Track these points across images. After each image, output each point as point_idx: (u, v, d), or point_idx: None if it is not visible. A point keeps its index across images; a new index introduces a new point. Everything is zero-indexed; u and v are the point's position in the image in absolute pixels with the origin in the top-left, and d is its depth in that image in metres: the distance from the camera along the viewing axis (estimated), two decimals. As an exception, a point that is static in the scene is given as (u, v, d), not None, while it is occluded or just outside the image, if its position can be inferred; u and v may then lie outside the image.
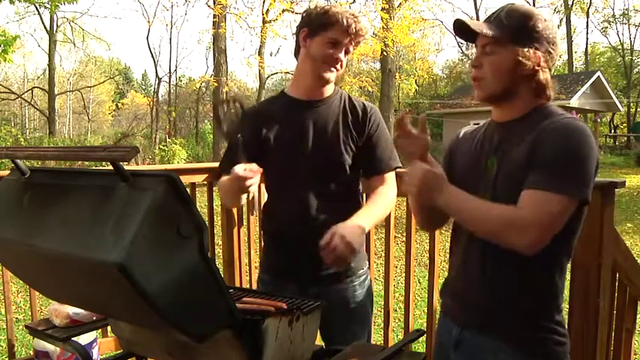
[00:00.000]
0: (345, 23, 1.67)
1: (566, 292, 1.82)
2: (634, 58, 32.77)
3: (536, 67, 1.29)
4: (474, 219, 1.26)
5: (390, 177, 1.85)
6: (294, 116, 1.77)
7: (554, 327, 1.29)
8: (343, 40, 1.70)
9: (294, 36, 1.81)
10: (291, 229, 1.76)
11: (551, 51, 1.31)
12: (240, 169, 1.51)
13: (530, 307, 1.29)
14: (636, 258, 1.68)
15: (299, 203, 1.75)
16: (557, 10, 29.82)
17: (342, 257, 1.55)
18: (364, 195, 1.89)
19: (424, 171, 1.28)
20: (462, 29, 1.36)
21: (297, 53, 1.80)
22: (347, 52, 1.73)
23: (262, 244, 2.01)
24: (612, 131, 32.10)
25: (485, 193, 1.31)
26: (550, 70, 1.32)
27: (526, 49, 1.28)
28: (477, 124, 1.52)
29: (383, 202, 1.79)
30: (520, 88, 1.32)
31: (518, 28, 1.30)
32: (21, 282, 2.29)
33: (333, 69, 1.72)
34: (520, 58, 1.28)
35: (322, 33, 1.70)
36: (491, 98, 1.36)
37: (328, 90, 1.79)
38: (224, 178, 1.69)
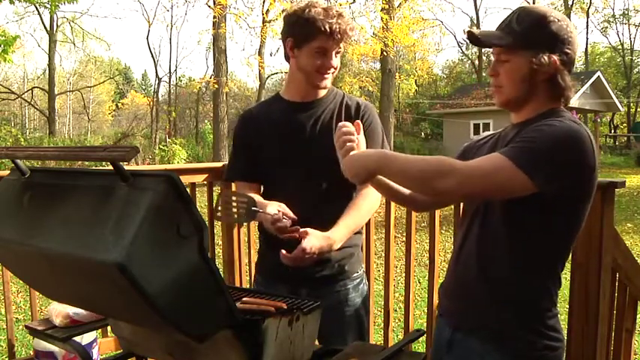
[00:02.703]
0: (329, 29, 1.61)
1: (566, 292, 1.83)
2: (634, 58, 32.78)
3: (553, 72, 1.26)
4: (407, 167, 1.22)
5: None
6: (290, 118, 1.76)
7: (545, 331, 1.28)
8: (331, 46, 1.65)
9: (282, 42, 1.77)
10: None
11: (568, 51, 1.28)
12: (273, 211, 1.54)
13: (521, 310, 1.29)
14: (636, 258, 1.68)
15: (293, 204, 1.75)
16: (557, 10, 29.82)
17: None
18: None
19: (347, 158, 1.33)
20: (473, 40, 1.34)
21: (287, 58, 1.77)
22: (337, 54, 1.70)
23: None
24: (612, 131, 32.11)
25: None
26: (570, 71, 1.29)
27: (540, 55, 1.25)
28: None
29: (365, 205, 1.74)
30: (537, 91, 1.30)
31: (530, 34, 1.26)
32: (21, 282, 2.29)
33: (326, 76, 1.71)
34: (535, 65, 1.25)
35: (308, 44, 1.65)
36: (510, 104, 1.35)
37: (322, 90, 1.78)
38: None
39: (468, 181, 1.17)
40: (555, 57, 1.26)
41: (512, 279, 1.29)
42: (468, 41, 1.42)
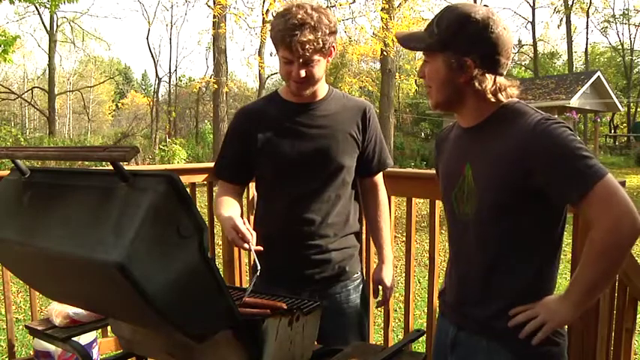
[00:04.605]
0: (287, 43, 1.57)
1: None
2: (634, 58, 32.76)
3: (469, 75, 1.24)
4: (596, 281, 1.20)
5: (381, 176, 1.88)
6: (288, 119, 1.74)
7: None
8: (292, 57, 1.60)
9: None
10: (284, 231, 1.74)
11: (489, 53, 1.24)
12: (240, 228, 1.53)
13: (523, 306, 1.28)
14: (636, 258, 1.68)
15: (292, 206, 1.73)
16: (557, 10, 29.83)
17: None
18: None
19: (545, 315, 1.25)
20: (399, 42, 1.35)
21: None
22: (306, 64, 1.61)
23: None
24: (612, 131, 32.10)
25: (468, 202, 1.31)
26: (495, 72, 1.25)
27: (454, 58, 1.23)
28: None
29: (387, 215, 1.91)
30: (464, 95, 1.28)
31: (446, 36, 1.24)
32: (21, 282, 2.29)
33: (301, 85, 1.65)
34: (451, 68, 1.24)
35: (278, 52, 1.64)
36: (439, 106, 1.34)
37: (321, 92, 1.75)
38: (223, 211, 1.65)
39: (628, 215, 1.12)
40: (470, 60, 1.23)
41: (512, 277, 1.29)
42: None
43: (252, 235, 1.53)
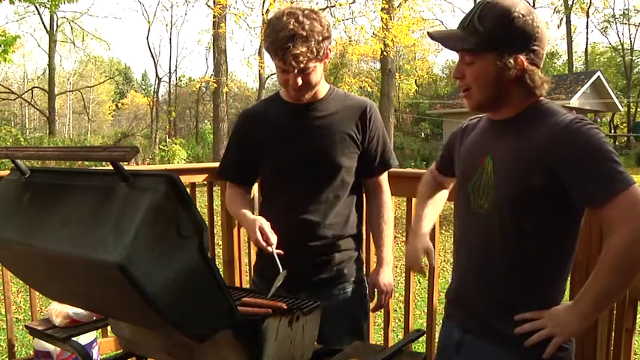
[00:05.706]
0: (278, 55, 1.56)
1: (566, 293, 1.82)
2: (634, 58, 32.73)
3: (521, 72, 1.23)
4: (616, 287, 1.18)
5: (385, 177, 1.86)
6: (287, 120, 1.74)
7: None
8: (287, 68, 1.58)
9: None
10: (283, 232, 1.72)
11: (536, 48, 1.23)
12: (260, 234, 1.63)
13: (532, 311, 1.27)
14: (636, 258, 1.68)
15: (291, 206, 1.73)
16: (557, 10, 29.82)
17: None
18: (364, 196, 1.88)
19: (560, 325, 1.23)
20: (437, 41, 1.31)
21: None
22: (302, 72, 1.59)
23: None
24: (612, 131, 32.05)
25: (484, 195, 1.30)
26: (538, 66, 1.25)
27: (506, 57, 1.21)
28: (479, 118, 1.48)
29: (390, 217, 1.88)
30: (510, 92, 1.26)
31: (494, 34, 1.21)
32: (21, 282, 2.29)
33: (297, 92, 1.65)
34: (502, 67, 1.22)
35: (273, 60, 1.62)
36: (482, 107, 1.32)
37: (321, 92, 1.74)
38: (246, 212, 1.74)
39: None
40: (522, 57, 1.22)
41: (521, 278, 1.28)
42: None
43: (275, 240, 1.62)
